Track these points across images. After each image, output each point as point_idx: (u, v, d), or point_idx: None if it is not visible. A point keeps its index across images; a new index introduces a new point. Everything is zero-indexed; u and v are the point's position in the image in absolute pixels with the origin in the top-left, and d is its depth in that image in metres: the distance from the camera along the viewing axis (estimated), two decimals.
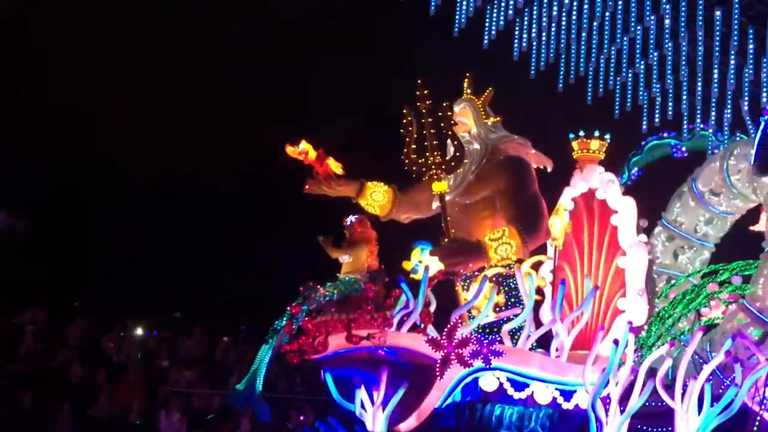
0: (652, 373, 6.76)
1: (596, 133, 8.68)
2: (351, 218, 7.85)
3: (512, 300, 7.60)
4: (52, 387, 10.78)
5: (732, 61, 9.03)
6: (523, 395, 6.88)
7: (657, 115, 9.95)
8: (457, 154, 7.61)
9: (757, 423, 7.03)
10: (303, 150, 7.97)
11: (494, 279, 7.48)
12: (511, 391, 6.85)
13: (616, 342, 6.81)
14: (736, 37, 8.84)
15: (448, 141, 7.68)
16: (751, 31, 8.96)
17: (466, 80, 8.34)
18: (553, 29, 9.51)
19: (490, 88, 8.21)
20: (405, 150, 7.63)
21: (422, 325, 6.90)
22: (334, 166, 8.07)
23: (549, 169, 8.33)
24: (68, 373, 11.50)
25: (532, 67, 9.87)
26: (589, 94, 9.95)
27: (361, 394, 6.74)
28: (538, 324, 7.41)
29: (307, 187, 8.16)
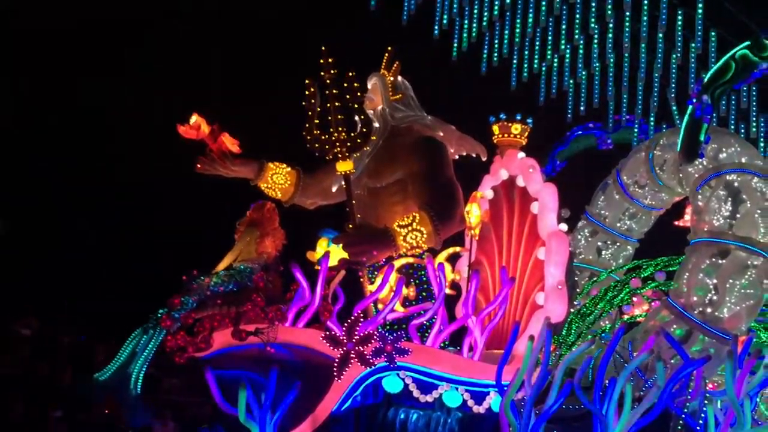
0: (570, 373, 6.23)
1: (518, 117, 8.23)
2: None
3: (423, 293, 7.03)
4: (43, 393, 10.12)
5: (660, 47, 8.68)
6: (430, 398, 6.28)
7: (582, 103, 9.53)
8: (364, 129, 6.95)
9: (680, 426, 6.59)
10: (195, 124, 7.21)
11: (403, 270, 6.87)
12: (417, 393, 6.25)
13: (532, 339, 6.24)
14: (664, 20, 8.46)
15: (355, 116, 7.02)
16: (680, 13, 8.62)
17: (386, 55, 7.74)
18: (475, 8, 8.98)
19: (397, 62, 7.63)
20: (307, 125, 6.93)
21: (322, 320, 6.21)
22: (230, 143, 7.34)
23: (483, 158, 7.80)
24: (59, 380, 10.80)
25: (454, 48, 9.33)
26: (513, 79, 9.47)
27: (247, 397, 5.96)
28: (453, 321, 6.81)
29: (198, 166, 7.41)
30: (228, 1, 13.69)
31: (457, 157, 7.82)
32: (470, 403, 6.40)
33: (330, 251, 6.62)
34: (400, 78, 7.82)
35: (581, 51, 9.25)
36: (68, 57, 14.10)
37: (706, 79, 7.36)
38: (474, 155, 7.84)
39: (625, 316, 8.41)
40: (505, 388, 6.19)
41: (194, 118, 7.21)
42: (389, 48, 7.80)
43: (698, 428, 6.56)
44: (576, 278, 8.26)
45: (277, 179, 7.58)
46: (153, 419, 9.78)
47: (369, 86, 7.67)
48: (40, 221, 14.54)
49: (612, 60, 9.14)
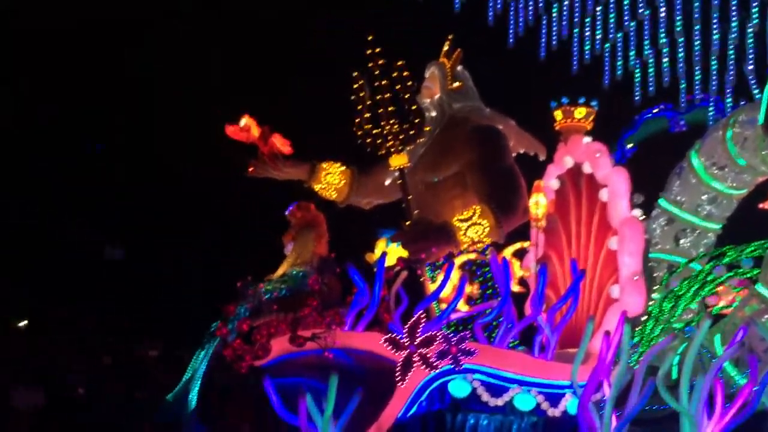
0: (652, 371, 5.77)
1: (581, 101, 7.82)
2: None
3: (488, 291, 6.67)
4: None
5: (734, 15, 8.06)
6: (500, 402, 5.91)
7: (651, 82, 8.98)
8: (417, 120, 6.65)
9: None
10: (245, 126, 7.05)
11: (465, 267, 6.53)
12: (486, 397, 5.89)
13: (607, 335, 5.80)
14: None
15: (407, 106, 6.73)
16: None
17: (446, 43, 7.43)
18: None
19: (459, 50, 7.30)
20: (357, 120, 6.68)
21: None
22: (281, 144, 7.16)
23: (542, 158, 7.42)
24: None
25: (510, 33, 8.94)
26: (575, 61, 8.99)
27: (307, 404, 5.71)
28: (521, 320, 6.43)
29: (250, 169, 7.25)
30: (228, 1, 13.56)
31: (514, 154, 7.45)
32: (544, 405, 6.01)
33: (388, 251, 6.34)
34: (460, 67, 7.50)
35: (647, 26, 8.72)
36: (68, 57, 14.13)
37: None
38: (532, 154, 7.45)
39: (710, 309, 7.88)
40: (582, 389, 5.78)
41: (244, 121, 7.07)
42: (449, 36, 7.47)
43: None
44: (653, 270, 7.76)
45: (331, 179, 7.36)
46: None
47: (427, 75, 7.39)
48: (41, 221, 14.63)
49: (681, 34, 8.57)
